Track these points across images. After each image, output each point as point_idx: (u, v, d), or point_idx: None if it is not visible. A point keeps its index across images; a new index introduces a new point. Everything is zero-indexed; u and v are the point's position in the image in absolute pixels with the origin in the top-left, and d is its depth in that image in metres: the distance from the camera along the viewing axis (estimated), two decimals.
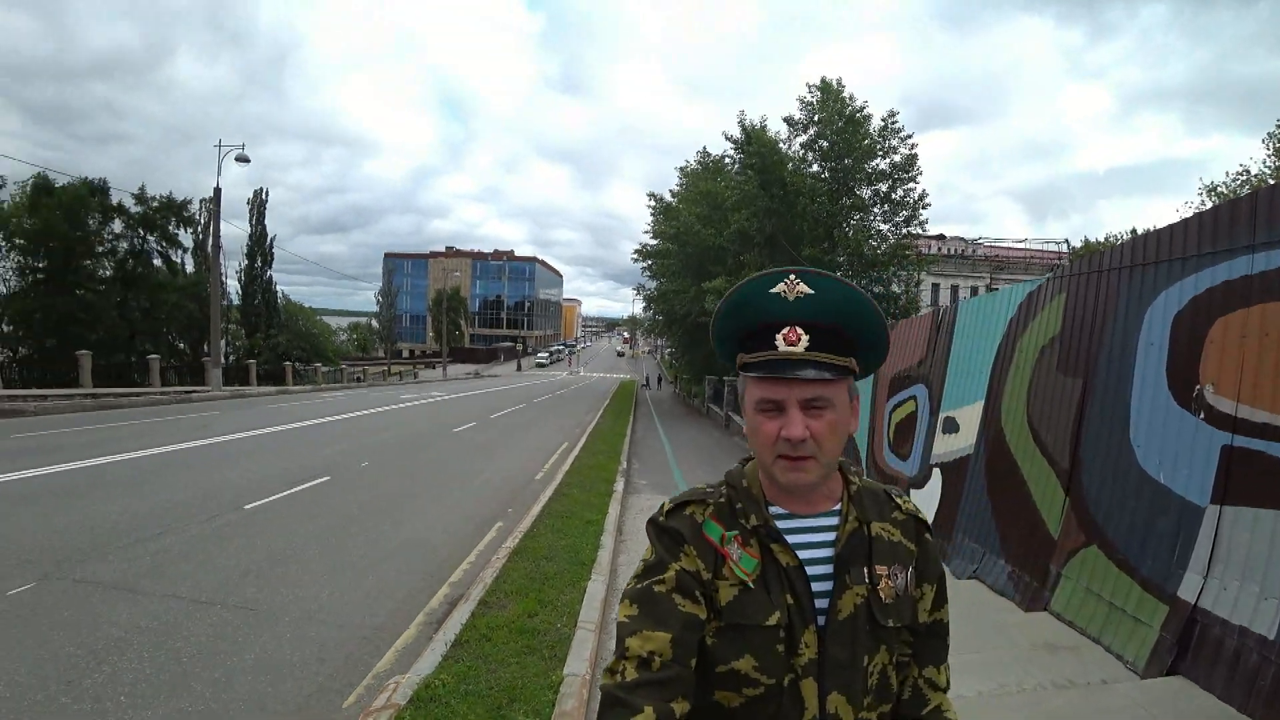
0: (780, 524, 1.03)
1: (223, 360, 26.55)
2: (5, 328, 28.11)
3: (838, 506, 1.07)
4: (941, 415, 6.19)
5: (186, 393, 22.11)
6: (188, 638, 4.03)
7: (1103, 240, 33.57)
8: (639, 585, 1.00)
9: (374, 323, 73.56)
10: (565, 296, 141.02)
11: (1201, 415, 3.62)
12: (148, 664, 3.69)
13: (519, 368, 72.96)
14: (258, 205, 38.85)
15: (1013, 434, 5.14)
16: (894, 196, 19.63)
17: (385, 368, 53.49)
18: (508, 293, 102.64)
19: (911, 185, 19.53)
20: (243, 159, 25.27)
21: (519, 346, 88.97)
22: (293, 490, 8.02)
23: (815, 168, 19.78)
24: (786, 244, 18.74)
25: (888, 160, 19.40)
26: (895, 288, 20.22)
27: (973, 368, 5.80)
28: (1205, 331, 3.64)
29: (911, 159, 19.35)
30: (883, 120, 19.33)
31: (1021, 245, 38.70)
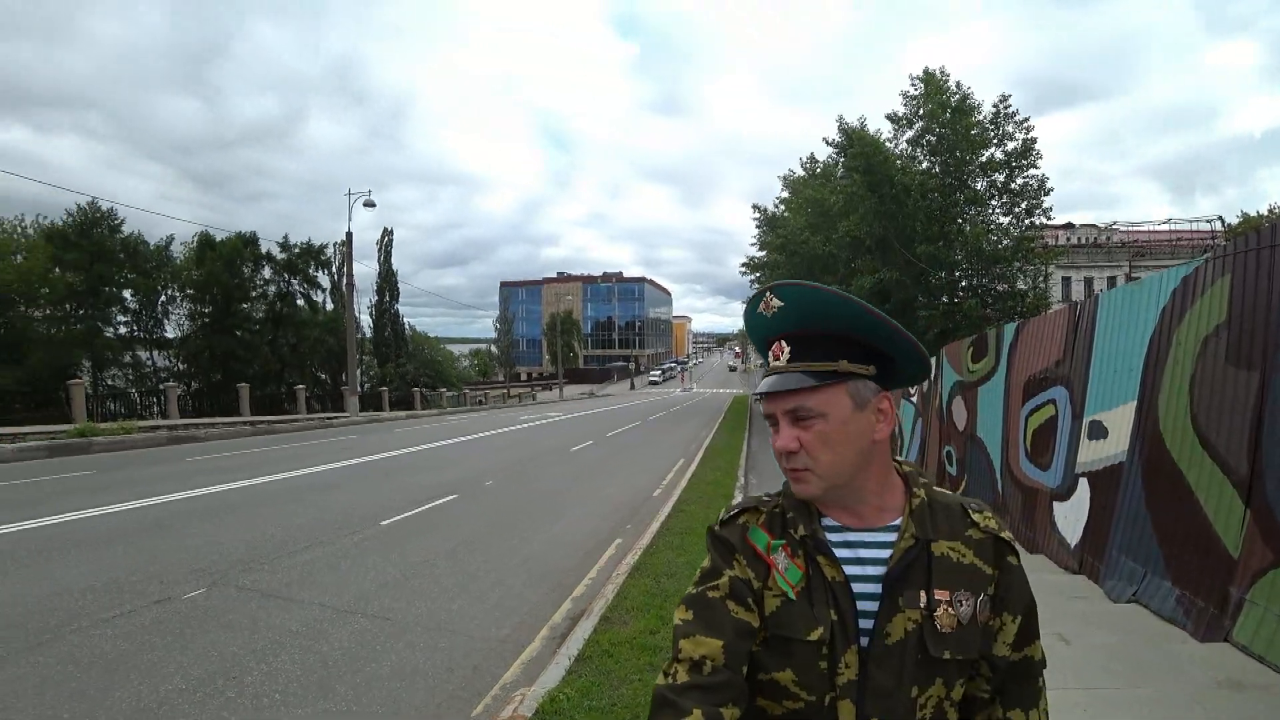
0: (831, 536, 1.00)
1: (358, 388, 28.71)
2: (180, 365, 31.90)
3: (897, 521, 0.99)
4: (1086, 419, 5.64)
5: (328, 418, 24.03)
6: (333, 643, 4.33)
7: (1266, 213, 29.65)
8: (695, 591, 1.00)
9: (493, 348, 77.07)
10: (675, 314, 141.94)
11: None
12: (298, 666, 3.99)
13: (632, 386, 73.96)
14: (384, 245, 42.03)
15: (1174, 437, 4.59)
16: (1013, 186, 18.29)
17: (505, 391, 55.75)
18: (618, 313, 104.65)
19: (1033, 172, 18.13)
20: (369, 204, 27.45)
21: (631, 365, 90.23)
22: (423, 508, 8.47)
23: (925, 163, 18.80)
24: (900, 245, 17.91)
25: (1002, 149, 18.13)
26: (1021, 284, 18.77)
27: (1120, 365, 5.24)
28: None
29: (1029, 144, 17.98)
30: (994, 106, 18.11)
31: (1165, 227, 34.86)
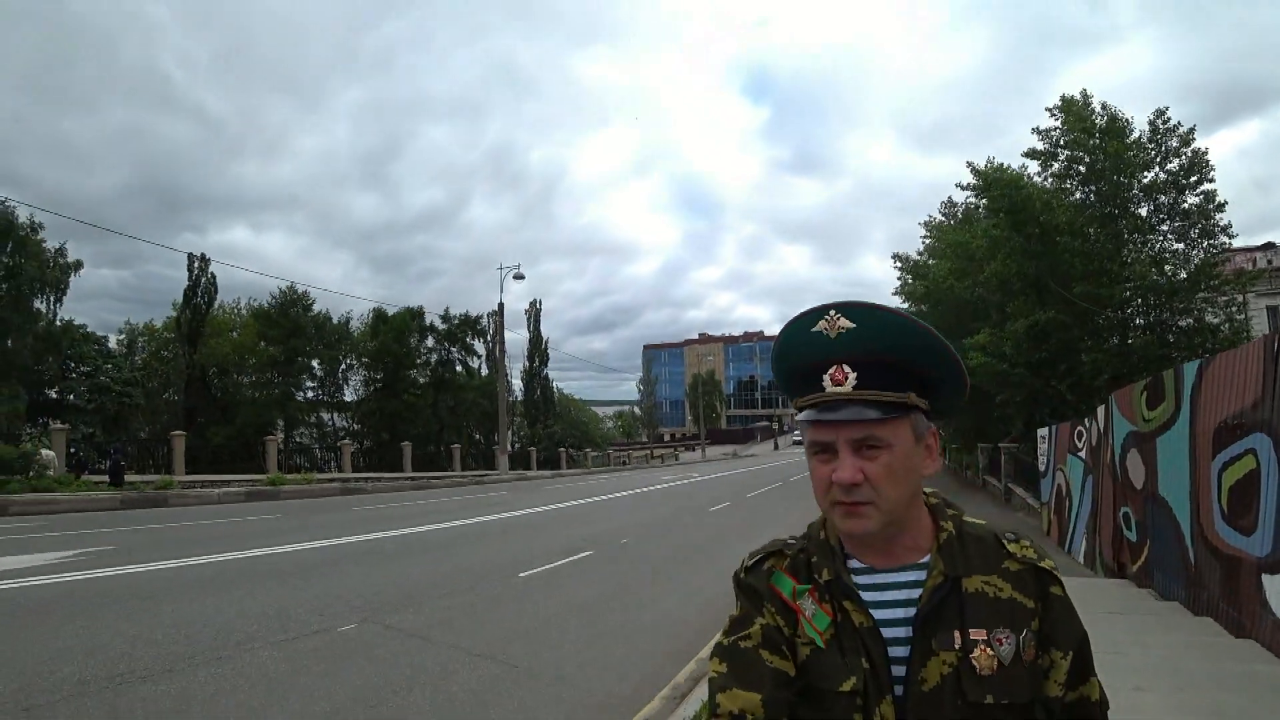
0: (858, 579, 0.94)
1: (509, 448, 30.35)
2: (355, 425, 35.56)
3: (926, 558, 0.93)
4: None
5: (480, 475, 25.52)
6: (462, 684, 4.51)
7: None
8: (726, 641, 0.95)
9: (636, 410, 78.75)
10: None
11: None
12: (428, 701, 4.20)
13: (775, 446, 72.24)
14: (533, 314, 44.82)
15: None
16: (1183, 206, 16.23)
17: (647, 451, 56.50)
18: (760, 372, 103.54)
19: (1205, 188, 15.98)
20: (519, 276, 29.70)
21: (775, 425, 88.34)
22: (560, 562, 8.68)
23: (1078, 194, 17.24)
24: (1055, 285, 16.41)
25: (1165, 167, 16.20)
26: (1210, 317, 16.43)
27: None
28: None
29: (1198, 157, 15.93)
30: (1150, 123, 16.32)
31: None
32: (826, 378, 0.93)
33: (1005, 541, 0.96)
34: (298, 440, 33.89)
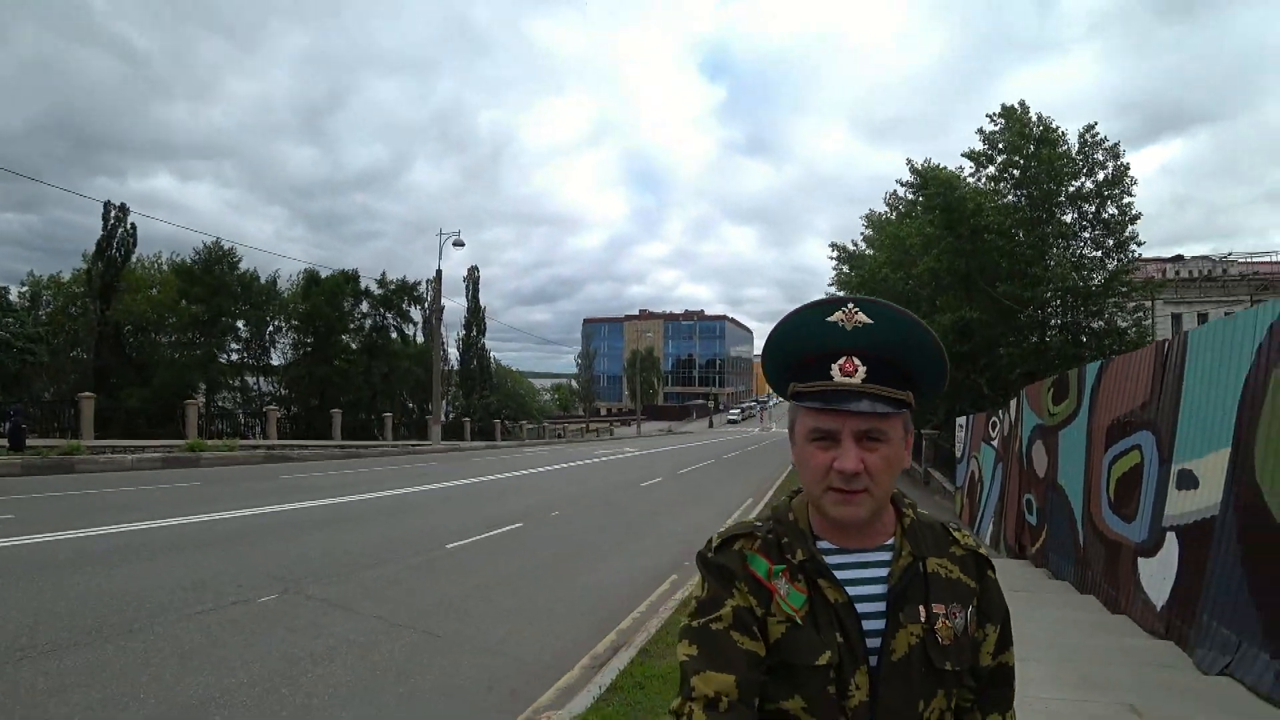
0: (829, 559, 0.99)
1: (442, 418, 29.85)
2: (282, 390, 34.29)
3: (891, 541, 1.01)
4: (1175, 467, 5.21)
5: (412, 446, 25.06)
6: (384, 654, 4.52)
7: None
8: (696, 623, 0.97)
9: (574, 383, 78.52)
10: (756, 353, 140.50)
11: None
12: (350, 672, 4.20)
13: (710, 424, 73.42)
14: (472, 282, 43.80)
15: (1273, 488, 4.19)
16: (1104, 216, 17.32)
17: (584, 425, 56.54)
18: (699, 351, 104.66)
19: (1126, 200, 17.11)
20: (458, 243, 29.00)
21: (710, 403, 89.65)
22: (489, 534, 8.69)
23: (1010, 197, 18.11)
24: (983, 282, 17.23)
25: (1092, 178, 17.25)
26: (1120, 321, 17.60)
27: (1212, 408, 4.84)
28: None
29: (1120, 171, 17.02)
30: (1080, 136, 17.31)
31: None
32: (836, 367, 0.96)
33: (951, 530, 1.06)
34: (220, 405, 32.36)
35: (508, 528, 9.19)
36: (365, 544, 7.68)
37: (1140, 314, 18.36)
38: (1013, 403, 9.60)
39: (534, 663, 4.57)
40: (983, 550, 1.05)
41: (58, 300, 30.42)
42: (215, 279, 31.03)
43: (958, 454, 14.39)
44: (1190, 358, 5.20)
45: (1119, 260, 17.73)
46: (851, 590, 0.96)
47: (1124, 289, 17.49)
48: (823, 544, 1.00)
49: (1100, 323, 17.64)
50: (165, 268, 32.39)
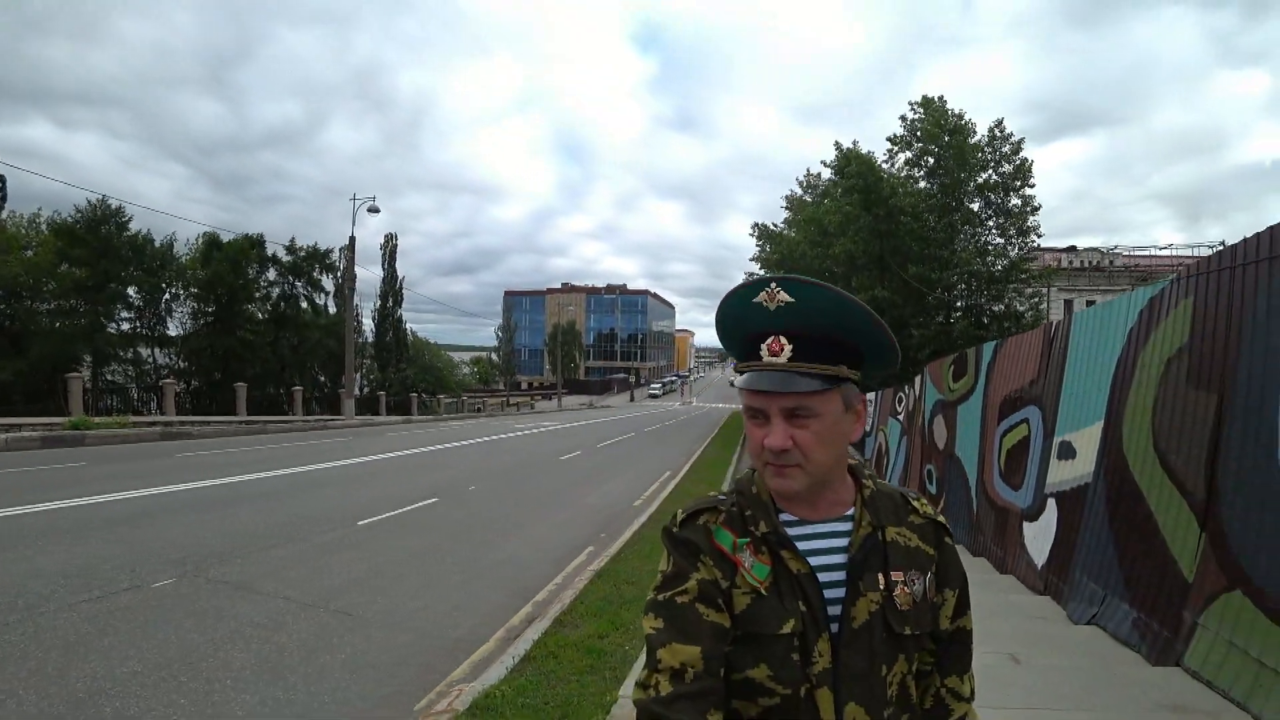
0: (791, 530, 1.00)
1: (356, 392, 28.79)
2: (181, 363, 32.09)
3: (850, 511, 1.04)
4: (1056, 440, 5.66)
5: (324, 420, 24.10)
6: (291, 635, 4.37)
7: None
8: (661, 597, 0.98)
9: (494, 357, 77.32)
10: (679, 328, 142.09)
11: None
12: (254, 655, 4.04)
13: (632, 399, 73.96)
14: (389, 250, 42.26)
15: (1136, 459, 4.61)
16: (1008, 206, 18.49)
17: (504, 399, 55.86)
18: (621, 325, 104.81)
19: (1027, 192, 18.33)
20: (374, 209, 27.70)
21: (632, 378, 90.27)
22: (402, 510, 8.49)
23: (923, 184, 19.01)
24: (894, 264, 18.04)
25: (999, 170, 18.37)
26: (1019, 305, 18.86)
27: (1090, 385, 5.27)
28: None
29: (1024, 165, 18.19)
30: (989, 131, 18.36)
31: (1165, 253, 34.84)
32: (764, 347, 0.98)
33: (910, 499, 1.08)
34: (109, 379, 30.01)
35: (422, 503, 9.02)
36: (271, 523, 7.36)
37: (1037, 299, 19.67)
38: (917, 379, 10.12)
39: (448, 637, 4.53)
40: (940, 519, 1.08)
41: None
42: (101, 240, 28.35)
43: (866, 428, 15.09)
44: (1073, 339, 5.61)
45: (1020, 248, 18.92)
46: (813, 560, 0.99)
47: (1023, 275, 18.70)
48: (785, 516, 1.02)
49: (1001, 306, 18.81)
50: (44, 228, 29.50)
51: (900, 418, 11.23)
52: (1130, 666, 4.04)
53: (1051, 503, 5.60)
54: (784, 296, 0.95)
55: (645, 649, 0.97)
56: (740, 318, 1.01)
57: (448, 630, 4.66)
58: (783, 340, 0.97)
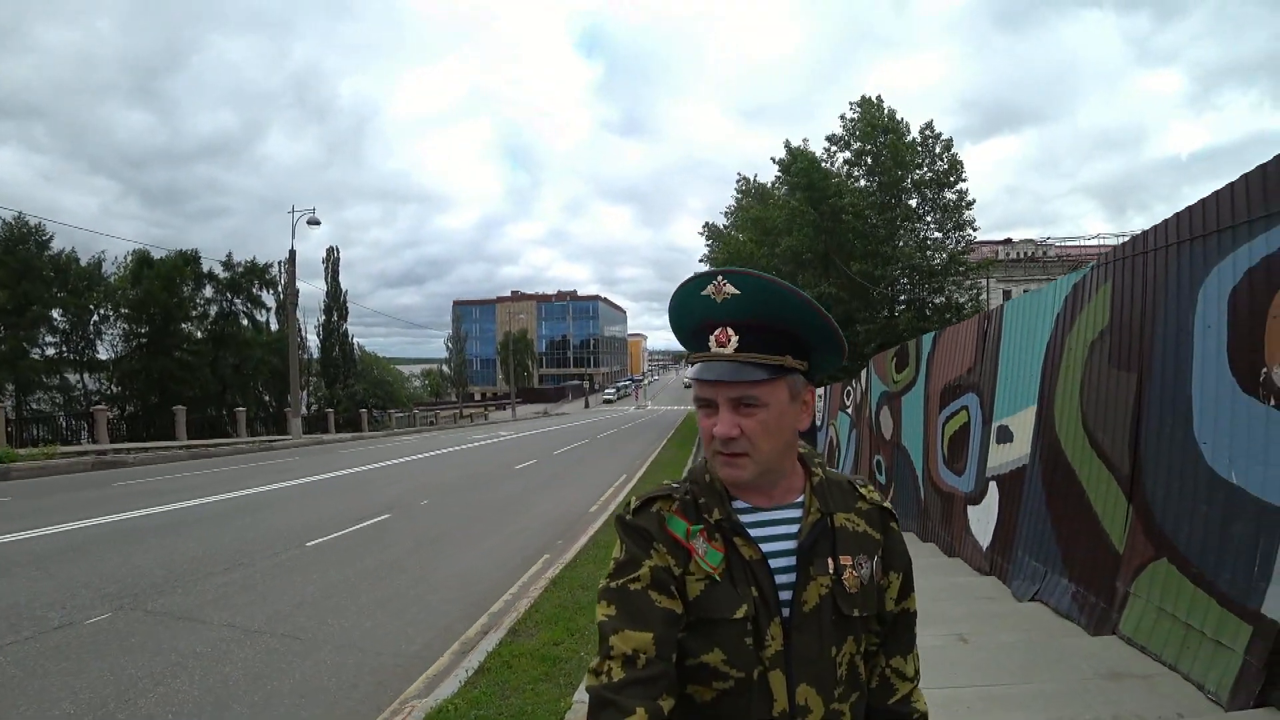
0: (743, 517, 1.02)
1: (303, 410, 27.99)
2: (114, 388, 30.59)
3: (800, 499, 1.06)
4: (995, 424, 5.87)
5: (269, 441, 23.33)
6: (237, 663, 4.22)
7: None
8: (614, 584, 0.99)
9: (445, 368, 76.10)
10: (631, 332, 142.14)
11: (1272, 402, 3.29)
12: (198, 686, 3.89)
13: (587, 405, 73.68)
14: (331, 264, 41.26)
15: (1068, 439, 4.82)
16: (942, 202, 19.19)
17: (456, 411, 55.03)
18: (573, 332, 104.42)
19: (961, 187, 19.09)
20: (314, 222, 27.04)
21: (586, 384, 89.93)
22: (354, 528, 8.29)
23: (863, 183, 19.56)
24: (839, 261, 18.47)
25: (933, 168, 19.07)
26: (959, 297, 19.52)
27: (1022, 371, 5.48)
28: (1266, 306, 3.32)
29: (954, 163, 18.94)
30: (920, 132, 19.07)
31: (1094, 243, 36.60)
32: (711, 339, 1.00)
33: (857, 485, 1.11)
34: (34, 408, 28.42)
35: (374, 520, 8.82)
36: (214, 549, 7.09)
37: (976, 291, 20.38)
38: (863, 372, 10.36)
39: (402, 654, 4.44)
40: (886, 504, 1.12)
41: None
42: (20, 261, 26.76)
43: (817, 423, 15.36)
44: (1005, 327, 5.83)
45: (957, 242, 19.60)
46: (765, 546, 1.01)
47: (961, 268, 19.37)
48: (737, 503, 1.04)
49: (942, 299, 19.42)
50: None
51: (849, 411, 11.47)
52: (1071, 638, 4.21)
53: (993, 486, 5.80)
54: (730, 289, 0.98)
55: (598, 636, 0.97)
56: (689, 309, 1.03)
57: (402, 647, 4.57)
58: (729, 331, 0.99)
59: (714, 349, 1.00)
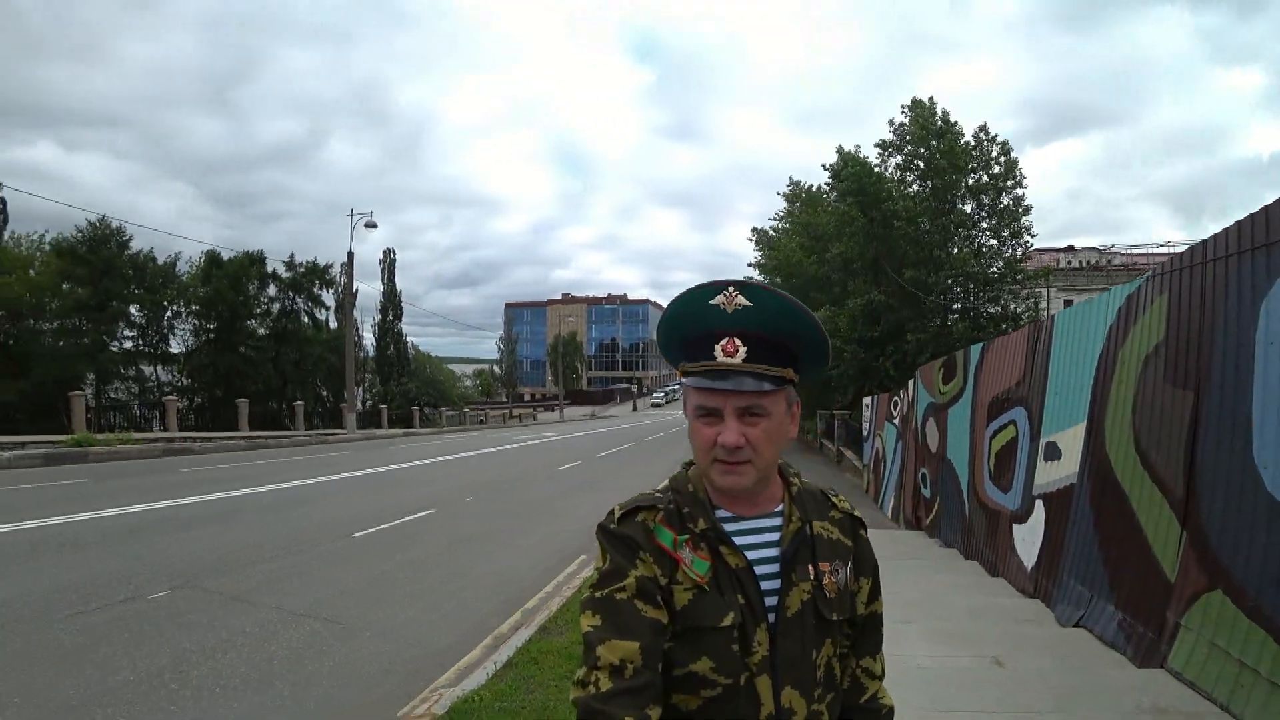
0: (726, 526, 1.05)
1: (358, 405, 28.90)
2: (184, 380, 32.25)
3: (780, 507, 1.09)
4: (1043, 441, 5.68)
5: (325, 435, 24.19)
6: (281, 643, 4.44)
7: None
8: (599, 594, 1.00)
9: (496, 369, 77.42)
10: None
11: None
12: (245, 663, 4.11)
13: (634, 408, 73.89)
14: (388, 265, 42.44)
15: (1118, 458, 4.63)
16: (999, 207, 18.57)
17: (506, 411, 55.90)
18: (622, 335, 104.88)
19: (1018, 192, 18.44)
20: (370, 225, 27.93)
21: (634, 387, 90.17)
22: (399, 521, 8.55)
23: (915, 187, 19.08)
24: (890, 269, 18.08)
25: (989, 172, 18.48)
26: (1015, 306, 18.88)
27: (1072, 385, 5.30)
28: None
29: (1011, 165, 18.32)
30: (974, 136, 18.50)
31: (1163, 250, 34.73)
32: (718, 348, 1.01)
33: (830, 495, 1.16)
34: (113, 397, 30.14)
35: (419, 514, 9.06)
36: (267, 536, 7.42)
37: (1033, 300, 19.67)
38: (910, 383, 10.15)
39: (436, 645, 4.57)
40: (857, 513, 1.17)
41: None
42: (103, 260, 28.59)
43: (864, 433, 15.09)
44: (1056, 339, 5.65)
45: (1013, 249, 18.97)
46: (749, 554, 1.03)
47: (1019, 276, 18.75)
48: (720, 512, 1.06)
49: (998, 308, 18.82)
50: (48, 247, 29.72)
51: (896, 422, 11.24)
52: (1114, 669, 4.03)
53: (1039, 504, 5.61)
54: (741, 300, 1.00)
55: (583, 646, 0.98)
56: (694, 318, 1.04)
57: (436, 639, 4.70)
58: (737, 342, 1.00)
59: (721, 359, 1.00)
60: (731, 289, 1.01)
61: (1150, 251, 35.88)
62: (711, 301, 1.02)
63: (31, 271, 27.65)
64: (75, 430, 17.32)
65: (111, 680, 3.77)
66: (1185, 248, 4.47)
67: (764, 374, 1.00)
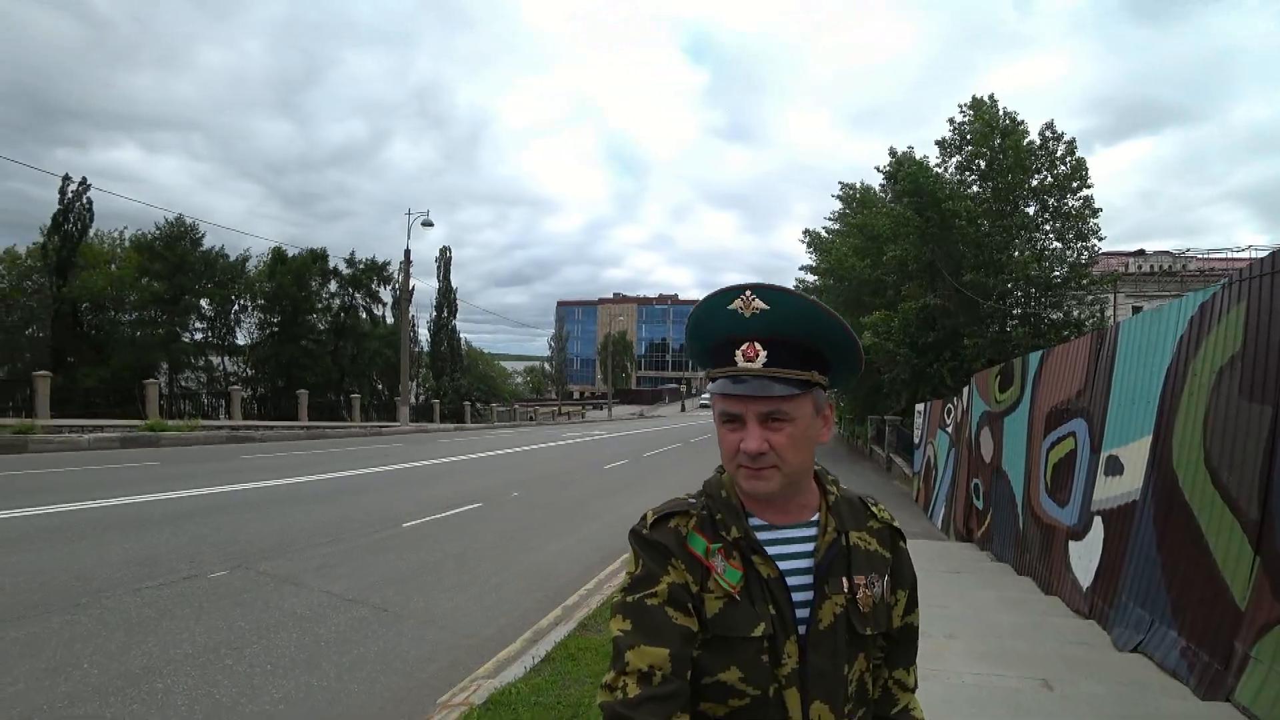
0: (760, 535, 1.03)
1: (411, 399, 29.68)
2: (248, 370, 33.79)
3: (816, 517, 1.07)
4: (1104, 454, 5.43)
5: (379, 427, 24.91)
6: (330, 626, 4.59)
7: None
8: (631, 599, 0.99)
9: (547, 366, 78.46)
10: None
11: None
12: (294, 644, 4.27)
13: (683, 409, 73.78)
14: (444, 263, 43.40)
15: (1187, 475, 4.39)
16: (1064, 208, 17.77)
17: (555, 408, 56.50)
18: (673, 335, 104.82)
19: (1085, 194, 17.60)
20: (427, 224, 28.71)
21: (683, 388, 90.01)
22: (446, 514, 8.73)
23: (975, 188, 18.44)
24: (946, 271, 17.53)
25: (1054, 172, 17.70)
26: (1079, 312, 18.08)
27: (1138, 397, 5.05)
28: None
29: (1078, 165, 17.49)
30: (1040, 134, 17.74)
31: (1244, 255, 32.55)
32: (739, 354, 1.00)
33: (869, 504, 1.13)
34: (183, 385, 31.79)
35: (466, 507, 9.24)
36: (321, 522, 7.68)
37: (1098, 306, 18.81)
38: (965, 390, 9.85)
39: (478, 636, 4.66)
40: (896, 523, 1.14)
41: (10, 276, 29.45)
42: (177, 256, 30.32)
43: (915, 440, 14.71)
44: (1120, 349, 5.40)
45: (1079, 253, 18.17)
46: (781, 564, 1.01)
47: (1084, 281, 17.96)
48: (753, 520, 1.04)
49: (1060, 314, 18.07)
50: (126, 244, 31.57)
51: (949, 430, 10.93)
52: (1174, 699, 3.83)
53: (1098, 521, 5.38)
54: (759, 304, 0.98)
55: (612, 651, 0.98)
56: (715, 324, 1.03)
57: (478, 629, 4.79)
58: (757, 346, 0.99)
59: (741, 364, 0.99)
60: (749, 293, 0.99)
61: (1229, 256, 33.79)
62: (730, 306, 1.00)
63: (113, 266, 29.44)
64: (149, 416, 18.32)
65: (172, 652, 3.97)
66: (1267, 253, 4.20)
67: (786, 378, 0.98)
